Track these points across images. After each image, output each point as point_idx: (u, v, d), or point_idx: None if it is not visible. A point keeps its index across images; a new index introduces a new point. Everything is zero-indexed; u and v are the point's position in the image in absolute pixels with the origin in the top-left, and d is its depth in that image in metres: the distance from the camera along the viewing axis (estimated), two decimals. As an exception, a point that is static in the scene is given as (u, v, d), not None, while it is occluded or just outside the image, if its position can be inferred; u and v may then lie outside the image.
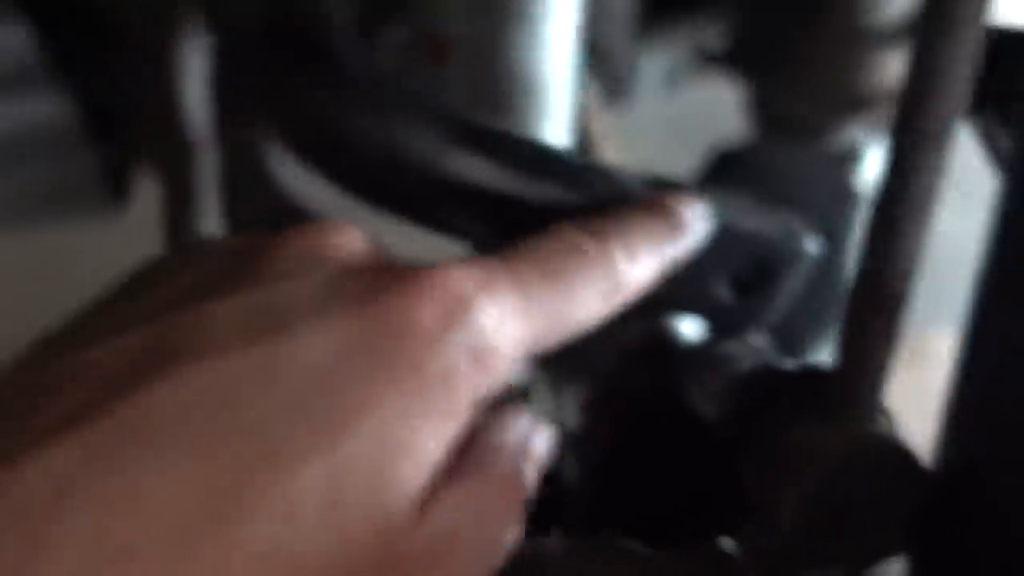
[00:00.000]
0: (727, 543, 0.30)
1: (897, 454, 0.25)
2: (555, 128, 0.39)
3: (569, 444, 0.52)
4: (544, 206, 0.30)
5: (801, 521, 0.25)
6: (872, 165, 0.69)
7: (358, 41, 0.28)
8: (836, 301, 0.68)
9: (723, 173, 0.65)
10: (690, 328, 0.41)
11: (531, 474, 0.24)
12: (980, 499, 0.25)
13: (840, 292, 0.69)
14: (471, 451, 0.23)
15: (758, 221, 0.34)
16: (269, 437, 0.18)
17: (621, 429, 0.44)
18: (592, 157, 0.55)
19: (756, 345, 0.37)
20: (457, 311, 0.21)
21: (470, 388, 0.21)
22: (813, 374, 0.27)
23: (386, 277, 0.21)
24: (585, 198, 0.31)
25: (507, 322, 0.22)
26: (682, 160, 0.69)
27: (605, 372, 0.46)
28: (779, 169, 0.62)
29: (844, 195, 0.68)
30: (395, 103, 0.28)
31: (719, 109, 0.74)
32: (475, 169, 0.29)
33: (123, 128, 0.58)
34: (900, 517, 0.26)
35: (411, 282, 0.21)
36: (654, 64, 0.82)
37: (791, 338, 0.59)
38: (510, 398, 0.56)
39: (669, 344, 0.41)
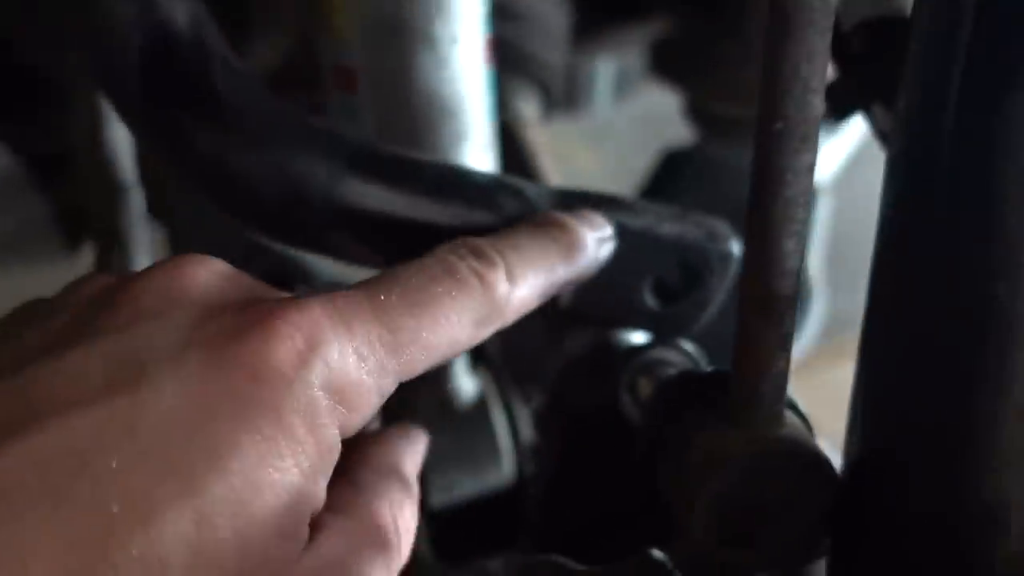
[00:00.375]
0: (659, 554, 0.30)
1: (803, 455, 0.25)
2: (475, 148, 0.39)
3: (528, 458, 0.52)
4: (453, 229, 0.30)
5: (714, 526, 0.25)
6: (825, 156, 0.70)
7: (244, 72, 0.28)
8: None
9: (671, 173, 0.66)
10: (638, 337, 0.41)
11: (413, 507, 0.25)
12: (881, 496, 0.25)
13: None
14: (358, 479, 0.24)
15: (679, 227, 0.34)
16: (132, 487, 0.18)
17: (570, 441, 0.44)
18: (531, 169, 0.55)
19: (688, 350, 0.37)
20: (312, 349, 0.21)
21: (334, 423, 0.21)
22: (722, 378, 0.27)
23: (245, 317, 0.21)
24: (495, 217, 0.31)
25: (369, 354, 0.22)
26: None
27: (553, 384, 0.46)
28: (726, 166, 0.63)
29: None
30: (284, 134, 0.28)
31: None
32: (373, 197, 0.29)
33: (64, 174, 0.58)
34: (814, 519, 0.26)
35: (267, 322, 0.21)
36: (604, 71, 0.82)
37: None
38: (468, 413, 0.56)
39: (612, 353, 0.41)
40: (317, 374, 0.21)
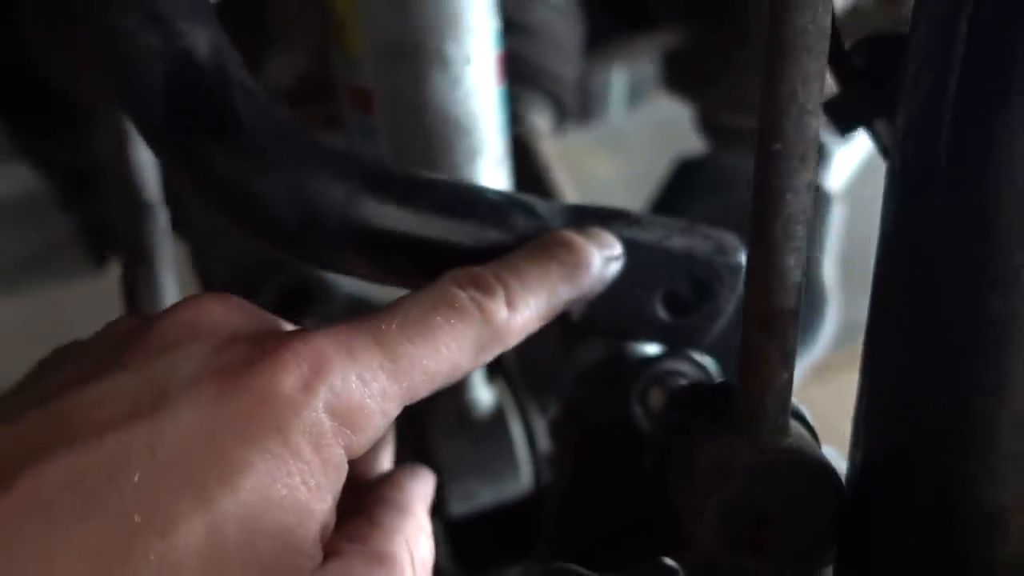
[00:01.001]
0: (671, 562, 0.31)
1: (807, 465, 0.25)
2: (489, 163, 0.40)
3: (544, 468, 0.52)
4: (467, 247, 0.31)
5: (722, 534, 0.26)
6: (840, 164, 0.70)
7: (262, 97, 0.29)
8: (813, 301, 0.69)
9: (684, 181, 0.66)
10: (650, 349, 0.42)
11: (428, 541, 0.27)
12: (884, 504, 0.25)
13: (815, 291, 0.69)
14: (375, 515, 0.26)
15: (688, 240, 0.35)
16: (152, 501, 0.20)
17: (585, 450, 0.45)
18: (545, 182, 0.56)
19: (699, 361, 0.38)
20: (317, 376, 0.23)
21: (339, 444, 0.23)
22: (729, 389, 0.28)
23: (256, 348, 0.23)
24: (508, 235, 0.32)
25: (371, 379, 0.23)
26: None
27: (567, 395, 0.47)
28: (739, 174, 0.63)
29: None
30: (301, 157, 0.29)
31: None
32: (388, 217, 0.30)
33: (90, 194, 0.60)
34: (820, 527, 0.26)
35: (276, 352, 0.23)
36: (617, 81, 0.83)
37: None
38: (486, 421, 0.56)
39: (624, 364, 0.42)
40: (322, 399, 0.22)
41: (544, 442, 0.53)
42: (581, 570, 0.32)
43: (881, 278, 0.25)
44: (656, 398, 0.36)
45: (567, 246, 0.29)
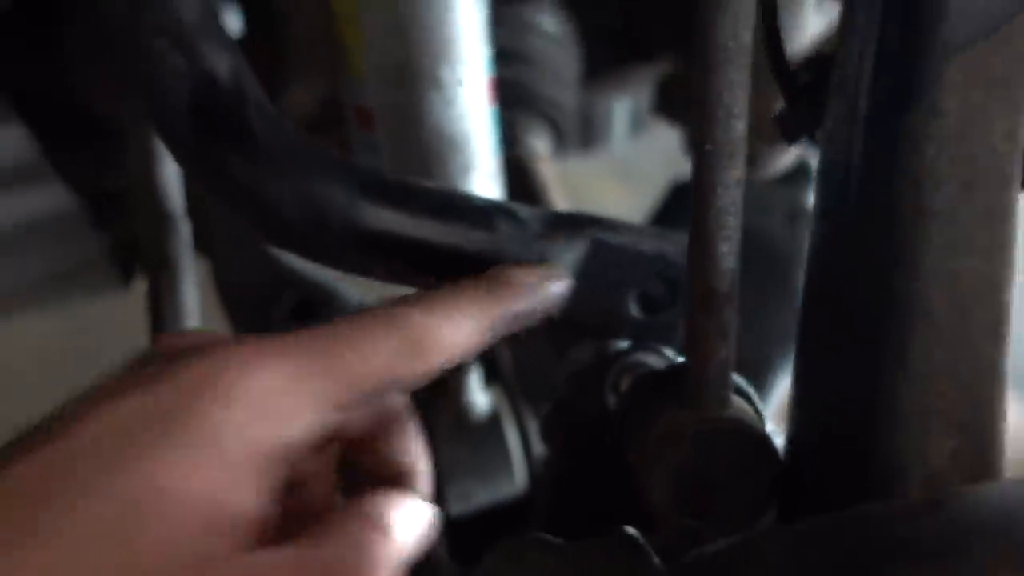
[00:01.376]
0: (632, 530, 0.34)
1: (744, 432, 0.29)
2: (482, 178, 0.44)
3: (538, 468, 0.55)
4: (454, 247, 0.35)
5: (672, 496, 0.29)
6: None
7: (275, 113, 0.33)
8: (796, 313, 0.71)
9: (678, 202, 0.70)
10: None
11: (385, 550, 0.28)
12: (814, 468, 0.28)
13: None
14: (326, 520, 0.27)
15: (658, 244, 0.38)
16: (83, 481, 0.23)
17: (571, 445, 0.48)
18: (541, 200, 0.60)
19: (667, 353, 0.41)
20: (246, 376, 0.25)
21: (267, 439, 0.25)
22: (679, 370, 0.31)
23: (197, 354, 0.26)
24: (492, 236, 0.35)
25: (295, 384, 0.26)
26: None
27: (557, 394, 0.50)
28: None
29: (797, 214, 0.72)
30: (308, 166, 0.33)
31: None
32: (384, 218, 0.34)
33: (119, 212, 0.64)
34: (760, 490, 0.29)
35: (210, 354, 0.26)
36: (620, 109, 0.87)
37: (756, 353, 0.62)
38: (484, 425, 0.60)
39: (604, 361, 0.45)
40: (252, 396, 0.25)
41: (538, 444, 0.56)
42: (550, 538, 0.35)
43: (808, 272, 0.29)
44: (625, 385, 0.39)
45: (498, 278, 0.32)
